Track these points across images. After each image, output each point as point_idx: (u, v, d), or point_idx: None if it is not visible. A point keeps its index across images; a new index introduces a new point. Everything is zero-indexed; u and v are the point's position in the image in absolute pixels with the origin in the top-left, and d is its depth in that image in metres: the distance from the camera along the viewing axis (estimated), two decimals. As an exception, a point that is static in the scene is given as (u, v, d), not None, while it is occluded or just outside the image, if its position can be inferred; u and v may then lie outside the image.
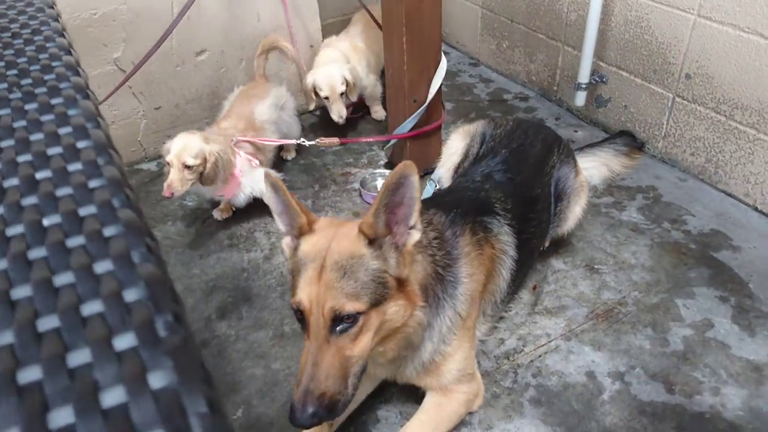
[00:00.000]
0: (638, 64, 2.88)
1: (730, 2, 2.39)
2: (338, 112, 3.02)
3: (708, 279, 2.30)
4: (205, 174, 2.37)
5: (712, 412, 1.83)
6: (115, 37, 2.89)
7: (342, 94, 3.00)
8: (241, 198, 2.65)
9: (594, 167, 2.54)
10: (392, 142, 2.90)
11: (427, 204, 1.85)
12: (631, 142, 2.64)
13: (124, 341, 0.38)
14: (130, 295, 0.41)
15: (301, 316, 1.38)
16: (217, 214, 2.80)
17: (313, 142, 2.76)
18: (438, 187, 2.55)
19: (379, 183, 2.95)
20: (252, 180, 2.61)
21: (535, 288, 2.32)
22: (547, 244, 2.44)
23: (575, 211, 2.32)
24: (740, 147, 2.57)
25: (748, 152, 2.54)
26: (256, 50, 3.04)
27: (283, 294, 2.36)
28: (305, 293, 1.34)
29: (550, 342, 2.09)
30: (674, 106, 2.79)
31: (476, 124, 2.47)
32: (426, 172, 2.89)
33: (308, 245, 1.40)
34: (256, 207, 2.83)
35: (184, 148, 2.32)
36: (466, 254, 1.75)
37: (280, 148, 3.08)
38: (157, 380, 0.35)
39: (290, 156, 3.19)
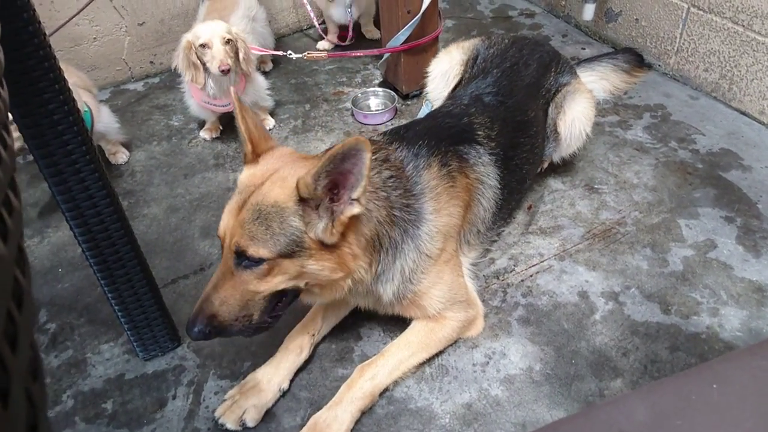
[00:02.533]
0: (652, -28, 2.67)
1: None
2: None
3: (714, 199, 2.18)
4: (242, 53, 2.37)
5: (709, 333, 1.74)
6: (91, -55, 2.71)
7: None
8: (246, 100, 2.57)
9: (592, 81, 2.39)
10: (385, 56, 2.74)
11: (395, 135, 1.73)
12: (632, 58, 2.47)
13: None
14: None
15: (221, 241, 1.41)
16: (205, 134, 2.69)
17: (300, 55, 2.62)
18: (433, 107, 2.42)
19: (372, 102, 2.82)
20: (253, 84, 2.58)
21: (530, 208, 2.21)
22: (546, 165, 2.32)
23: (581, 131, 2.16)
24: (758, 60, 2.38)
25: (765, 65, 2.37)
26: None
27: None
28: (223, 222, 1.38)
29: (542, 262, 2.00)
30: (689, 17, 2.59)
31: (470, 41, 2.31)
32: (422, 90, 2.75)
33: (244, 175, 1.40)
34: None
35: (218, 27, 2.32)
36: (432, 188, 1.62)
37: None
38: None
39: (267, 68, 3.09)
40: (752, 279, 1.89)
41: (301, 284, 1.42)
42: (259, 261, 1.33)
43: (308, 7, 3.05)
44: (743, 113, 2.53)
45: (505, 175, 1.87)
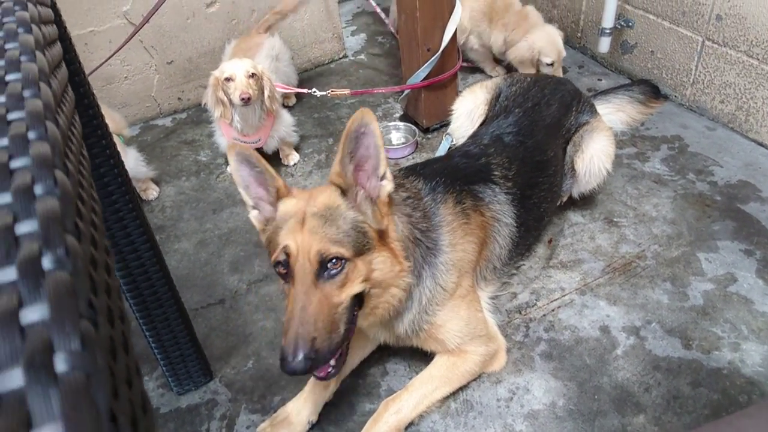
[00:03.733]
0: (666, 6, 2.72)
1: (766, -65, 2.22)
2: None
3: (733, 232, 2.20)
4: (268, 90, 2.47)
5: (730, 368, 1.77)
6: (124, -10, 2.83)
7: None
8: (273, 141, 2.69)
9: (609, 113, 2.45)
10: (406, 92, 2.82)
11: (411, 170, 1.80)
12: (648, 89, 2.51)
13: (3, 275, 0.34)
14: (22, 227, 0.37)
15: (285, 266, 1.37)
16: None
17: (324, 93, 2.70)
18: (453, 143, 2.48)
19: (393, 136, 2.89)
20: (281, 120, 2.68)
21: (550, 242, 2.26)
22: (565, 199, 2.37)
23: (600, 168, 2.20)
24: (773, 93, 2.43)
25: (781, 98, 2.40)
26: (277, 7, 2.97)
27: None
28: (291, 240, 1.34)
29: (564, 296, 2.04)
30: (704, 50, 2.64)
31: (493, 80, 2.38)
32: (443, 124, 2.82)
33: (287, 205, 1.40)
34: (270, 161, 2.79)
35: (243, 62, 2.43)
36: (448, 222, 1.69)
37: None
38: (29, 315, 0.32)
39: (291, 103, 3.18)
40: (773, 313, 1.91)
41: (368, 288, 1.46)
42: (342, 265, 1.35)
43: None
44: (760, 144, 2.56)
45: (521, 214, 1.92)
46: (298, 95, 3.18)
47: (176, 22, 3.01)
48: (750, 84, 2.50)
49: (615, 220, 2.31)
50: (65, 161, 0.44)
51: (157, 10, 2.70)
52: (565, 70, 3.21)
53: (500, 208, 1.88)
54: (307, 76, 3.45)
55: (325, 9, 3.40)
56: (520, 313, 2.01)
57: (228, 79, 2.40)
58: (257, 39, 2.84)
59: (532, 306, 2.03)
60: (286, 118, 2.72)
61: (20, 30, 0.58)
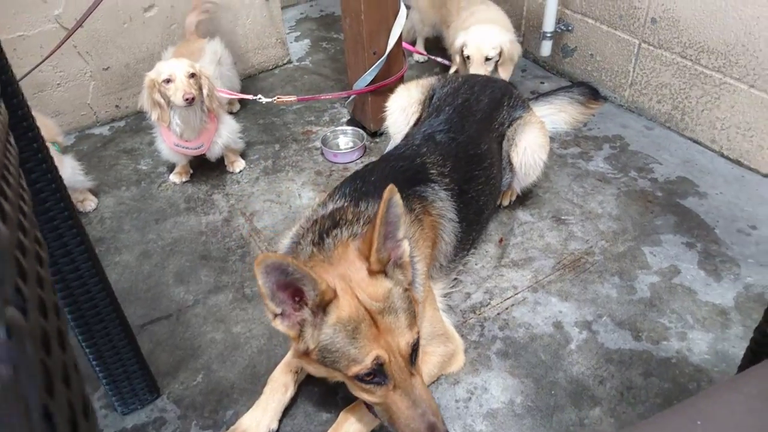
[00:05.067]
0: (604, 10, 2.81)
1: (695, -60, 2.31)
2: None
3: (674, 226, 2.27)
4: (206, 89, 2.39)
5: (679, 357, 1.81)
6: (55, -9, 2.71)
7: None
8: (217, 147, 2.60)
9: (551, 114, 2.49)
10: (353, 97, 2.79)
11: (353, 192, 1.71)
12: (587, 91, 2.58)
13: None
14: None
15: (376, 373, 1.33)
16: (174, 178, 2.69)
17: (270, 99, 2.65)
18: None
19: (341, 141, 2.86)
20: (225, 126, 2.60)
21: (501, 241, 2.27)
22: (514, 197, 2.39)
23: (536, 160, 2.24)
24: (706, 92, 2.52)
25: (714, 97, 2.50)
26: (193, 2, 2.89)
27: (243, 256, 2.28)
28: (380, 349, 1.30)
29: (516, 294, 2.05)
30: (640, 52, 2.73)
31: (427, 79, 2.38)
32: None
33: (344, 310, 1.30)
34: (215, 168, 2.73)
35: (180, 62, 2.36)
36: (411, 235, 1.68)
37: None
38: None
39: (235, 109, 3.11)
40: (715, 302, 1.97)
41: None
42: (419, 339, 1.38)
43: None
44: (696, 142, 2.66)
45: (462, 208, 1.92)
46: (241, 101, 3.11)
47: (112, 26, 2.89)
48: (684, 84, 2.59)
49: (563, 218, 2.35)
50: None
51: (90, 13, 2.58)
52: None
53: (442, 204, 1.87)
54: (250, 82, 3.38)
55: (269, 15, 3.35)
56: (475, 312, 2.00)
57: (167, 81, 2.32)
58: (198, 44, 2.76)
59: (486, 305, 2.03)
60: (231, 124, 2.65)
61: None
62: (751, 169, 2.49)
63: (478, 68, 2.77)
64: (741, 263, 2.10)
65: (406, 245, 1.42)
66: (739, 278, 2.04)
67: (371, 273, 1.35)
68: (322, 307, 1.30)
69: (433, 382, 1.77)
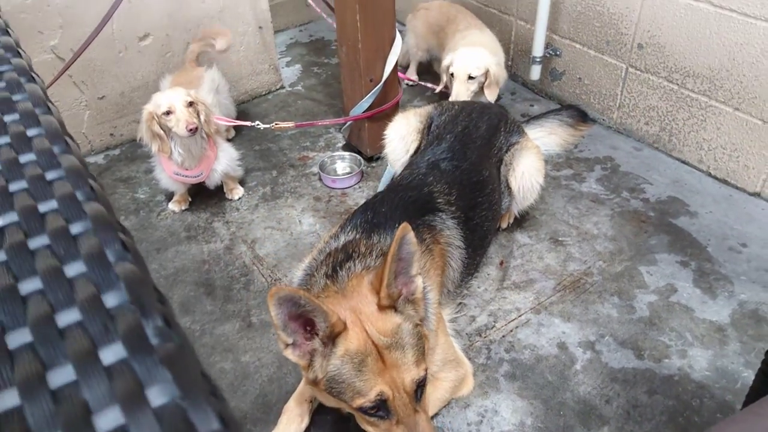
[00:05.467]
0: (591, 36, 2.90)
1: (679, -29, 2.41)
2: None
3: (668, 245, 2.34)
4: (204, 115, 2.40)
5: (681, 374, 1.87)
6: (51, 23, 2.72)
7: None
8: (216, 175, 2.61)
9: (542, 136, 2.56)
10: (349, 123, 2.84)
11: (364, 223, 1.75)
12: (576, 114, 2.65)
13: (111, 353, 0.33)
14: (111, 299, 0.35)
15: (381, 407, 1.35)
16: (173, 206, 2.70)
17: (268, 126, 2.68)
18: (395, 171, 2.49)
19: (338, 166, 2.90)
20: (224, 154, 2.62)
21: (502, 264, 2.32)
22: (512, 220, 2.45)
23: (533, 183, 2.30)
24: (692, 114, 2.62)
25: (700, 119, 2.60)
26: (199, 34, 2.92)
27: (247, 284, 2.29)
28: (384, 385, 1.32)
29: (520, 316, 2.10)
30: (627, 76, 2.82)
31: (425, 108, 2.43)
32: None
33: (352, 342, 1.32)
34: (213, 196, 2.75)
35: (178, 92, 2.37)
36: (423, 268, 1.72)
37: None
38: (156, 396, 0.30)
39: (230, 135, 3.13)
40: (712, 319, 2.04)
41: None
42: (426, 377, 1.39)
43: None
44: (684, 162, 2.75)
45: (468, 235, 1.97)
46: (237, 128, 3.14)
47: (108, 56, 2.91)
48: (671, 107, 2.68)
49: (560, 239, 2.41)
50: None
51: (89, 44, 2.61)
52: (498, 97, 3.33)
53: (450, 233, 1.92)
54: (244, 108, 3.41)
55: (261, 41, 3.39)
56: (481, 335, 2.04)
57: (167, 113, 2.33)
58: (195, 72, 2.78)
59: (491, 328, 2.07)
60: (230, 152, 2.67)
61: (22, 80, 0.56)
62: (738, 188, 2.58)
63: (460, 85, 2.83)
64: (734, 280, 2.17)
65: (419, 281, 1.44)
66: (734, 295, 2.11)
67: (381, 308, 1.37)
68: (332, 338, 1.32)
69: (445, 406, 1.80)
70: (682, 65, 2.56)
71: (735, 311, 2.06)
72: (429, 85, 3.34)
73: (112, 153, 3.14)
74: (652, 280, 2.20)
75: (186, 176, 2.55)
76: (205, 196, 2.75)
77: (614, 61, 2.84)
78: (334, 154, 2.94)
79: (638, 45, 2.70)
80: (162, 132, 2.37)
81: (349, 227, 1.74)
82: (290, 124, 2.70)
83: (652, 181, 2.67)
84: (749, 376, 1.84)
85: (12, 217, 0.41)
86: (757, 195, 2.53)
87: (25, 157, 0.45)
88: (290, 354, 1.35)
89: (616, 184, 2.67)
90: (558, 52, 3.09)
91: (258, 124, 2.69)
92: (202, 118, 2.40)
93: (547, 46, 3.09)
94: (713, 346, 1.95)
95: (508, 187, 2.29)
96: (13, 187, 0.43)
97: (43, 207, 0.41)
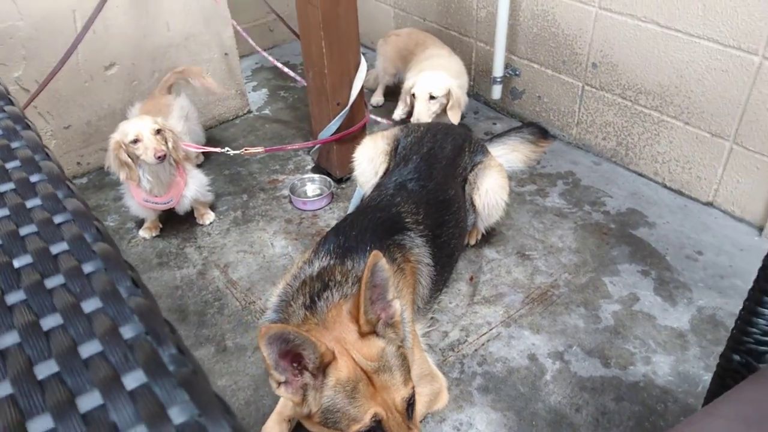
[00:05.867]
0: (548, 56, 3.02)
1: (627, -6, 2.55)
2: None
3: (629, 255, 2.44)
4: (171, 142, 2.41)
5: (646, 380, 1.95)
6: (14, 55, 2.71)
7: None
8: (186, 201, 2.63)
9: (505, 154, 2.63)
10: (317, 146, 2.89)
11: (337, 247, 1.78)
12: (536, 131, 2.74)
13: (133, 379, 0.36)
14: (127, 331, 0.39)
15: (376, 430, 1.38)
16: (144, 233, 2.69)
17: (238, 152, 2.71)
18: (364, 193, 2.53)
19: (308, 188, 2.94)
20: (194, 180, 2.64)
21: (472, 279, 2.39)
22: (479, 237, 2.52)
23: (497, 200, 2.37)
24: (647, 129, 2.74)
25: (653, 134, 2.72)
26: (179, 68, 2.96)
27: (221, 309, 2.31)
28: (377, 407, 1.36)
29: (491, 330, 2.16)
30: (584, 94, 2.94)
31: (391, 130, 2.49)
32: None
33: (343, 372, 1.36)
34: (184, 221, 2.75)
35: (145, 121, 2.38)
36: (396, 287, 1.75)
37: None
38: (177, 415, 0.34)
39: (199, 161, 3.13)
40: (673, 326, 2.13)
41: None
42: (414, 394, 1.44)
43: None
44: (641, 175, 2.87)
45: (436, 252, 2.03)
46: (206, 153, 3.16)
47: (73, 85, 2.91)
48: (626, 122, 2.81)
49: (527, 253, 2.49)
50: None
51: (54, 75, 2.61)
52: (462, 116, 3.43)
53: (419, 251, 1.97)
54: (212, 133, 3.43)
55: (227, 67, 3.43)
56: (453, 350, 2.09)
57: (135, 141, 2.35)
58: (164, 100, 2.80)
59: (464, 342, 2.12)
60: (200, 177, 2.69)
61: (18, 127, 0.59)
62: (692, 198, 2.71)
63: (422, 105, 2.91)
64: (692, 287, 2.28)
65: (396, 305, 1.49)
66: (692, 302, 2.22)
67: (362, 335, 1.41)
68: (322, 369, 1.35)
69: (421, 421, 1.84)
70: (635, 82, 2.68)
71: (694, 317, 2.16)
72: (385, 121, 3.36)
73: (80, 182, 3.12)
74: (616, 290, 2.29)
75: (156, 203, 2.55)
76: (175, 221, 2.76)
77: (571, 79, 2.96)
78: (304, 176, 2.98)
79: (592, 64, 2.82)
80: (130, 160, 2.38)
81: (322, 252, 1.77)
82: (260, 149, 2.74)
83: (612, 194, 2.78)
84: (709, 378, 1.93)
85: (26, 259, 0.44)
86: (710, 204, 2.65)
87: (32, 202, 0.49)
88: (283, 392, 1.37)
89: (578, 198, 2.78)
90: (517, 72, 3.21)
91: (228, 150, 2.72)
92: (170, 144, 2.41)
93: (507, 66, 3.20)
94: (675, 352, 2.04)
95: (473, 205, 2.37)
96: (24, 231, 0.47)
97: (54, 249, 0.45)
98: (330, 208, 2.82)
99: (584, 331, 2.13)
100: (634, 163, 2.88)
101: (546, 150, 2.88)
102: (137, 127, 2.35)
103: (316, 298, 1.55)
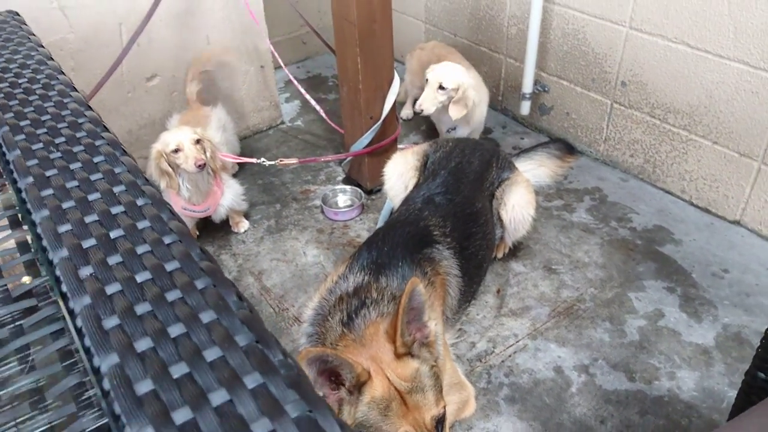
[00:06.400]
0: (577, 74, 3.07)
1: (658, 15, 2.59)
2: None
3: (655, 272, 2.48)
4: (209, 151, 2.51)
5: (670, 395, 1.98)
6: (64, 67, 2.77)
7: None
8: (223, 210, 2.72)
9: (532, 169, 2.69)
10: (349, 158, 2.97)
11: (370, 264, 1.85)
12: (563, 146, 2.79)
13: (251, 380, 0.44)
14: (242, 340, 0.46)
15: None
16: (180, 239, 2.80)
17: (273, 162, 2.81)
18: (393, 207, 2.60)
19: (340, 199, 3.02)
20: (230, 189, 2.73)
21: (499, 291, 2.44)
22: (506, 251, 2.57)
23: (524, 215, 2.42)
24: (674, 147, 2.78)
25: (681, 152, 2.76)
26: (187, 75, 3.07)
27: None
28: (408, 425, 1.44)
29: (518, 342, 2.21)
30: (612, 111, 2.99)
31: (421, 146, 2.57)
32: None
33: (377, 390, 1.43)
34: (220, 229, 2.85)
35: (184, 131, 2.48)
36: (427, 299, 1.83)
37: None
38: (292, 410, 0.41)
39: (235, 170, 3.24)
40: (698, 342, 2.16)
41: None
42: (444, 413, 1.51)
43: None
44: (668, 192, 2.90)
45: (463, 264, 2.09)
46: (241, 163, 3.26)
47: (117, 95, 3.03)
48: (654, 140, 2.85)
49: (553, 267, 2.54)
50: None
51: (101, 86, 2.73)
52: (490, 131, 3.49)
53: (447, 263, 2.04)
54: (246, 143, 3.54)
55: (263, 79, 3.54)
56: (481, 361, 2.15)
57: (176, 150, 2.45)
58: (202, 111, 2.92)
59: (491, 353, 2.18)
60: (235, 187, 2.79)
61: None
62: (719, 216, 2.73)
63: (430, 92, 2.89)
64: (718, 305, 2.31)
65: (432, 326, 1.56)
66: (718, 319, 2.24)
67: (397, 356, 1.48)
68: (358, 387, 1.43)
69: (450, 429, 1.90)
70: (663, 102, 2.72)
71: (719, 334, 2.19)
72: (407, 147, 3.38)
73: (120, 188, 3.24)
74: (641, 306, 2.33)
75: (194, 211, 2.66)
76: (212, 229, 2.86)
77: (599, 97, 3.01)
78: (336, 187, 3.07)
79: (622, 82, 2.87)
80: (170, 169, 2.48)
81: (356, 268, 1.84)
82: (294, 160, 2.83)
83: (639, 211, 2.82)
84: (733, 395, 1.96)
85: (146, 275, 0.52)
86: (737, 223, 2.68)
87: (142, 224, 0.57)
88: None
89: (604, 214, 2.82)
90: (546, 89, 3.26)
91: (263, 161, 2.82)
92: (208, 154, 2.51)
93: (536, 82, 3.26)
94: (700, 368, 2.07)
95: (500, 219, 2.42)
96: (140, 250, 0.54)
97: (168, 267, 0.53)
98: (360, 219, 2.90)
99: (609, 345, 2.17)
100: (662, 180, 2.91)
101: (572, 165, 2.93)
102: (178, 137, 2.45)
103: (353, 315, 1.62)
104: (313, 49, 4.43)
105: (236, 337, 0.47)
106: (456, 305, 2.08)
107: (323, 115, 3.29)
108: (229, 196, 2.71)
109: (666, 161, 2.85)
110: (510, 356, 2.16)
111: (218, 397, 0.43)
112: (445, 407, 1.51)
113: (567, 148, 2.82)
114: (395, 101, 2.82)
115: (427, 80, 2.96)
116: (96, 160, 0.66)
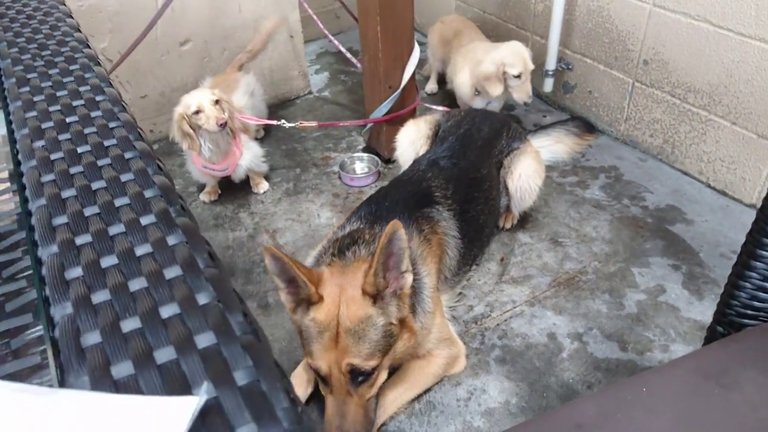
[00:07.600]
0: (601, 52, 3.05)
1: (681, -8, 2.56)
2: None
3: (662, 249, 2.48)
4: (227, 112, 2.57)
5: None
6: (102, 29, 2.99)
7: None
8: (241, 170, 2.83)
9: (549, 145, 2.70)
10: (369, 126, 3.04)
11: (371, 215, 1.92)
12: (582, 124, 2.79)
13: (204, 339, 0.46)
14: (202, 298, 0.51)
15: (321, 375, 1.54)
16: (204, 197, 2.93)
17: (293, 124, 2.90)
18: None
19: (357, 166, 3.10)
20: (249, 151, 2.83)
21: (502, 260, 2.48)
22: (514, 222, 2.61)
23: (530, 185, 2.45)
24: (694, 128, 2.75)
25: (701, 132, 2.73)
26: (249, 46, 3.19)
27: (266, 269, 2.50)
28: (324, 361, 1.50)
29: (515, 308, 2.26)
30: (634, 90, 2.97)
31: (434, 115, 2.62)
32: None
33: (320, 314, 1.50)
34: (241, 189, 2.97)
35: (204, 92, 2.56)
36: (420, 255, 1.89)
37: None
38: (241, 377, 0.44)
39: (260, 135, 3.36)
40: (696, 319, 2.17)
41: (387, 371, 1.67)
42: (372, 371, 1.53)
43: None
44: (685, 173, 2.88)
45: (463, 227, 2.13)
46: (266, 128, 3.37)
47: (151, 58, 3.17)
48: (674, 120, 2.82)
49: (560, 240, 2.56)
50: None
51: (134, 48, 2.87)
52: (512, 107, 3.50)
53: (447, 224, 2.09)
54: (274, 110, 3.64)
55: (293, 49, 3.63)
56: (476, 323, 2.21)
57: (197, 112, 2.54)
58: (233, 76, 3.03)
59: (487, 317, 2.23)
60: (255, 149, 2.88)
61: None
62: (735, 199, 2.70)
63: (524, 83, 2.91)
64: (722, 284, 2.26)
65: (408, 278, 1.59)
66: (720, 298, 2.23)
67: (364, 293, 1.52)
68: (307, 303, 1.53)
69: (438, 383, 1.97)
70: (684, 81, 2.70)
71: (719, 312, 2.18)
72: (439, 108, 3.45)
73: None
74: (643, 281, 2.34)
75: (213, 170, 2.77)
76: (233, 189, 2.98)
77: (622, 75, 2.99)
78: (354, 155, 3.15)
79: (644, 61, 2.84)
80: (191, 131, 2.58)
81: (354, 218, 1.93)
82: (314, 123, 2.92)
83: (653, 190, 2.81)
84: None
85: (119, 228, 0.57)
86: (753, 206, 2.64)
87: (126, 176, 0.62)
88: (282, 296, 1.57)
89: (618, 192, 2.82)
90: (570, 66, 3.25)
91: (283, 122, 2.91)
92: (226, 114, 2.60)
93: (560, 60, 3.25)
94: (695, 343, 2.08)
95: (506, 188, 2.46)
96: (118, 202, 0.60)
97: (144, 221, 0.57)
98: (376, 186, 2.97)
99: (606, 316, 2.20)
100: (680, 161, 2.88)
101: (591, 143, 2.93)
102: (198, 99, 2.55)
103: (345, 250, 1.70)
104: (346, 24, 4.48)
105: (197, 295, 0.51)
106: (455, 266, 2.14)
107: (342, 48, 3.50)
108: (248, 156, 2.81)
109: (685, 142, 2.82)
110: (506, 321, 2.21)
111: (164, 354, 0.46)
112: (375, 369, 1.54)
113: (586, 126, 2.82)
114: (415, 72, 2.87)
115: (519, 75, 2.91)
116: (111, 126, 0.72)
